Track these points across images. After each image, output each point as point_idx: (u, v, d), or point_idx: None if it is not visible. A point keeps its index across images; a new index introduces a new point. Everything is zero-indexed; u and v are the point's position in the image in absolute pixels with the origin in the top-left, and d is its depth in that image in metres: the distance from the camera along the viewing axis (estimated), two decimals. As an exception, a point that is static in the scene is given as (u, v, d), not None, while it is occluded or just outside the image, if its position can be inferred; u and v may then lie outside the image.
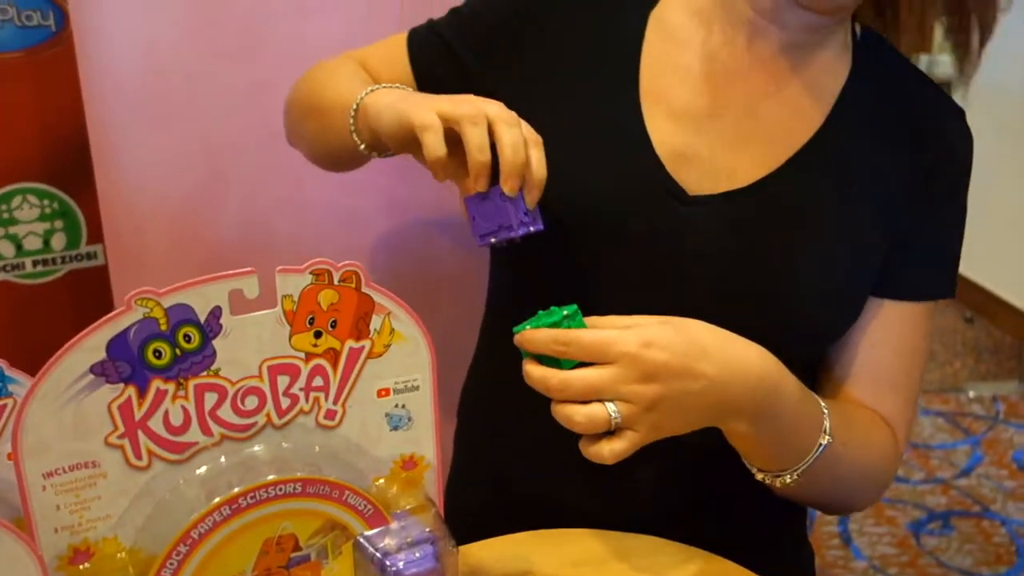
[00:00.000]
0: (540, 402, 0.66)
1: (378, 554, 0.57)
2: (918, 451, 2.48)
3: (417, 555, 0.57)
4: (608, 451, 0.63)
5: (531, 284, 0.84)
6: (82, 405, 0.51)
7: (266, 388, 0.56)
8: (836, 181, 0.79)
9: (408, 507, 0.60)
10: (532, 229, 0.69)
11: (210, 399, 0.54)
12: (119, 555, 0.53)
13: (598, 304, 0.71)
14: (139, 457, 0.53)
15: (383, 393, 0.59)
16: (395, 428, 0.60)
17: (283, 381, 0.56)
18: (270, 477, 0.54)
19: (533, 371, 0.64)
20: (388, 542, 0.57)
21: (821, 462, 0.72)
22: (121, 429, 0.52)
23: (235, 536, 0.53)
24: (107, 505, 0.53)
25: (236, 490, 0.53)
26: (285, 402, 0.57)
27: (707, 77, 0.80)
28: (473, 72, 0.85)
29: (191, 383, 0.53)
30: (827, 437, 0.72)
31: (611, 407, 0.62)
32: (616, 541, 0.79)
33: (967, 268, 3.41)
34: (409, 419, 0.61)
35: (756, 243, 0.77)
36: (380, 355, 0.59)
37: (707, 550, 0.78)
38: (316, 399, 0.57)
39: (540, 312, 0.65)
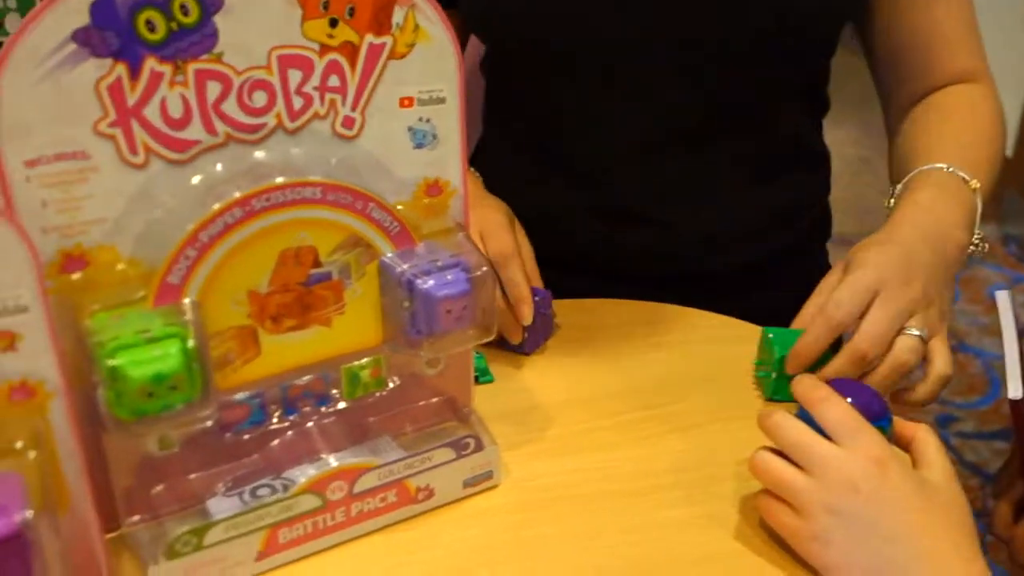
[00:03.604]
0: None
1: (406, 275, 0.51)
2: (896, 289, 2.49)
3: (449, 277, 0.52)
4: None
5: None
6: (64, 82, 0.43)
7: (276, 83, 0.48)
8: None
9: (433, 231, 0.54)
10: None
11: (213, 89, 0.47)
12: (118, 266, 0.47)
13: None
14: (134, 152, 0.46)
15: (406, 103, 0.53)
16: (419, 146, 0.54)
17: (295, 76, 0.49)
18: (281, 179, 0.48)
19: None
20: (416, 264, 0.52)
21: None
22: (112, 116, 0.45)
23: (248, 244, 0.47)
24: (101, 206, 0.46)
25: (246, 191, 0.47)
26: (298, 102, 0.49)
27: None
28: None
29: (191, 67, 0.46)
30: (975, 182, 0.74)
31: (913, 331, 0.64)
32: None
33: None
34: (434, 136, 0.54)
35: None
36: (403, 56, 0.51)
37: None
38: (332, 102, 0.50)
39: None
